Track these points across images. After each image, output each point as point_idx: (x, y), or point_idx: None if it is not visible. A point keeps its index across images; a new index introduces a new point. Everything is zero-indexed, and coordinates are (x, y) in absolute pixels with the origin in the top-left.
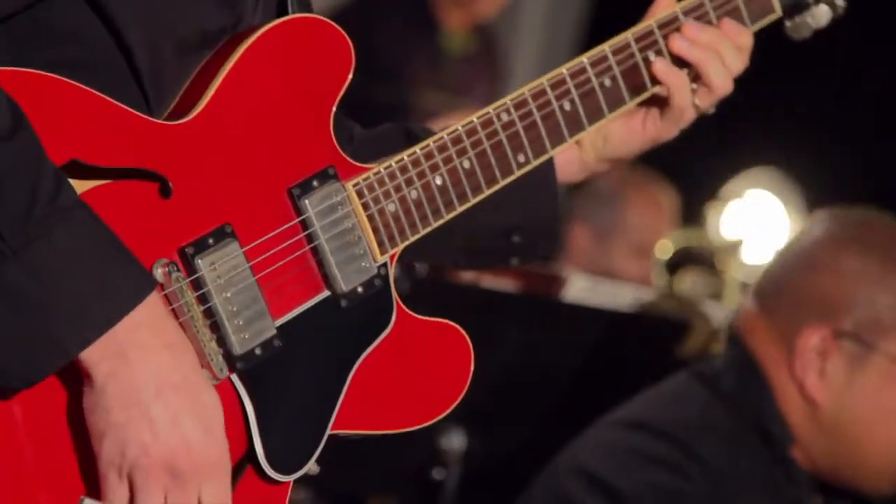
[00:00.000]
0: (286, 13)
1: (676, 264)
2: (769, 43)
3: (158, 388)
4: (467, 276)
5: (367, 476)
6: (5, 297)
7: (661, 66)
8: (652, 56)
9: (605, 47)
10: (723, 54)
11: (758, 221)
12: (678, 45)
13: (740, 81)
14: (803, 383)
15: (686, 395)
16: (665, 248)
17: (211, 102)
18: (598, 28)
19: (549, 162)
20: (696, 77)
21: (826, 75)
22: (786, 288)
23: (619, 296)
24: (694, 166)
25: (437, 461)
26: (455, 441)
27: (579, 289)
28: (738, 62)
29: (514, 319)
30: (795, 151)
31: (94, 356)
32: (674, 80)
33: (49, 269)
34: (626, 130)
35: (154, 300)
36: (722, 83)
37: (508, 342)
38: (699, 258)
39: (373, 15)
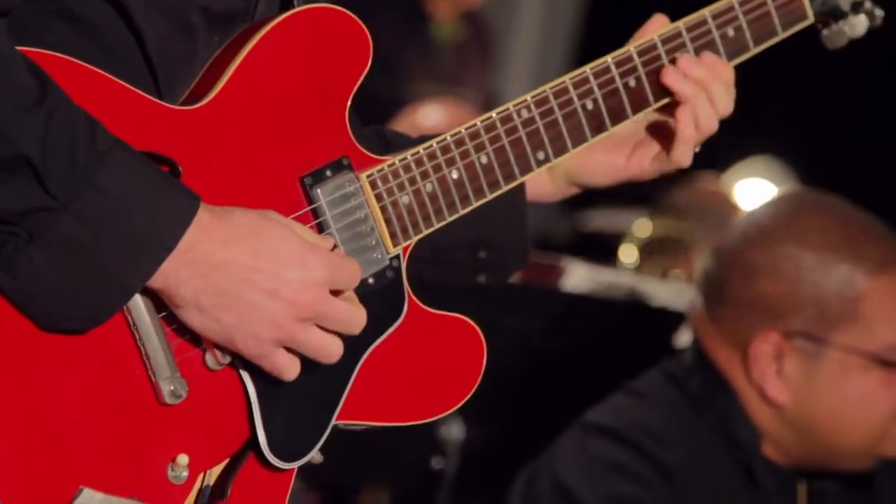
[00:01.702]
0: (292, 4)
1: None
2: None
3: (241, 277)
4: None
5: (361, 467)
6: (64, 249)
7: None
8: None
9: (631, 48)
10: (712, 92)
11: None
12: (671, 77)
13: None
14: (763, 388)
15: (657, 397)
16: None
17: (224, 89)
18: (596, 11)
19: None
20: None
21: (824, 63)
22: (728, 296)
23: (617, 285)
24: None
25: (436, 450)
26: (454, 430)
27: (578, 278)
28: (726, 101)
29: (513, 309)
30: (792, 140)
31: (171, 283)
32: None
33: (98, 216)
34: (607, 163)
35: (200, 215)
36: (708, 123)
37: (508, 331)
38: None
39: (361, 7)
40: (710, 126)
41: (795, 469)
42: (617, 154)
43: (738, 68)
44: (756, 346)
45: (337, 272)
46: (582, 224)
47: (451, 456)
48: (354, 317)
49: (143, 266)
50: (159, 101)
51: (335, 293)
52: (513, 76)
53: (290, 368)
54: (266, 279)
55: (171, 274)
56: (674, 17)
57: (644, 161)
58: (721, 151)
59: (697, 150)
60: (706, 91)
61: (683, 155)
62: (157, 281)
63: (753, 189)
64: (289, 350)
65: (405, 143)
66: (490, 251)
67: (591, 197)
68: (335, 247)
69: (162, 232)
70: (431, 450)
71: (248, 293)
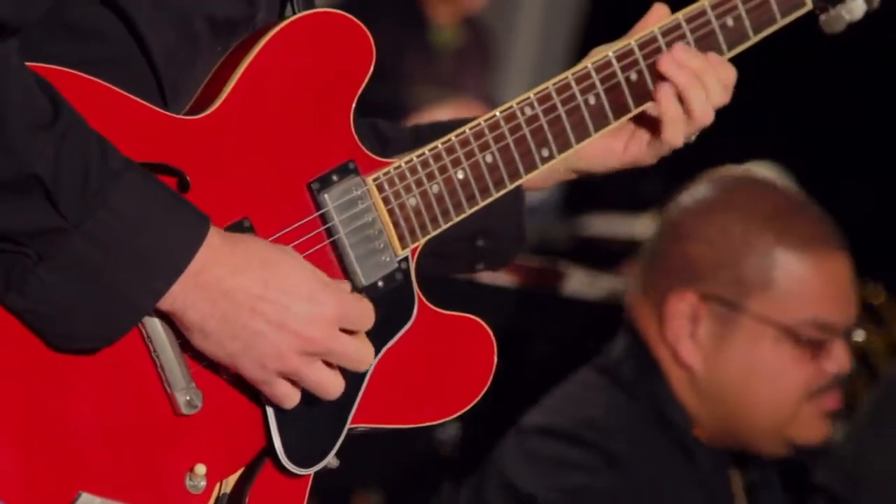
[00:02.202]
0: (292, 10)
1: None
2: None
3: (250, 306)
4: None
5: (355, 468)
6: (75, 268)
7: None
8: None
9: (631, 41)
10: (706, 82)
11: None
12: (666, 65)
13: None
14: (677, 350)
15: (590, 391)
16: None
17: (229, 97)
18: (595, 15)
19: None
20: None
21: (825, 66)
22: (657, 262)
23: (616, 289)
24: (692, 160)
25: (432, 452)
26: (449, 433)
27: (577, 283)
28: (721, 92)
29: (512, 313)
30: (793, 145)
31: (178, 306)
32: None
33: (109, 236)
34: (604, 149)
35: (211, 238)
36: (702, 112)
37: (507, 336)
38: None
39: (362, 12)
40: (705, 114)
41: (728, 454)
42: (614, 140)
43: (740, 70)
44: (672, 304)
45: (347, 311)
46: (581, 229)
47: (447, 458)
48: (362, 355)
49: (154, 285)
50: (165, 112)
51: (347, 332)
52: (513, 81)
53: (289, 398)
54: (274, 310)
55: (179, 297)
56: (673, 10)
57: (641, 145)
58: (722, 156)
59: (693, 139)
60: (700, 80)
61: (674, 136)
62: (165, 303)
63: None
64: (290, 380)
65: (401, 135)
66: (488, 239)
67: (591, 201)
68: (353, 290)
69: (173, 252)
70: (427, 452)
71: (255, 323)
